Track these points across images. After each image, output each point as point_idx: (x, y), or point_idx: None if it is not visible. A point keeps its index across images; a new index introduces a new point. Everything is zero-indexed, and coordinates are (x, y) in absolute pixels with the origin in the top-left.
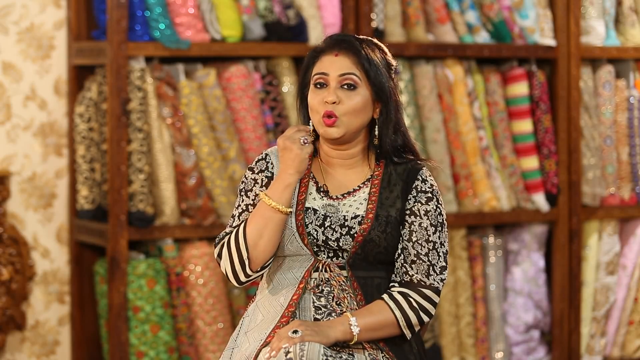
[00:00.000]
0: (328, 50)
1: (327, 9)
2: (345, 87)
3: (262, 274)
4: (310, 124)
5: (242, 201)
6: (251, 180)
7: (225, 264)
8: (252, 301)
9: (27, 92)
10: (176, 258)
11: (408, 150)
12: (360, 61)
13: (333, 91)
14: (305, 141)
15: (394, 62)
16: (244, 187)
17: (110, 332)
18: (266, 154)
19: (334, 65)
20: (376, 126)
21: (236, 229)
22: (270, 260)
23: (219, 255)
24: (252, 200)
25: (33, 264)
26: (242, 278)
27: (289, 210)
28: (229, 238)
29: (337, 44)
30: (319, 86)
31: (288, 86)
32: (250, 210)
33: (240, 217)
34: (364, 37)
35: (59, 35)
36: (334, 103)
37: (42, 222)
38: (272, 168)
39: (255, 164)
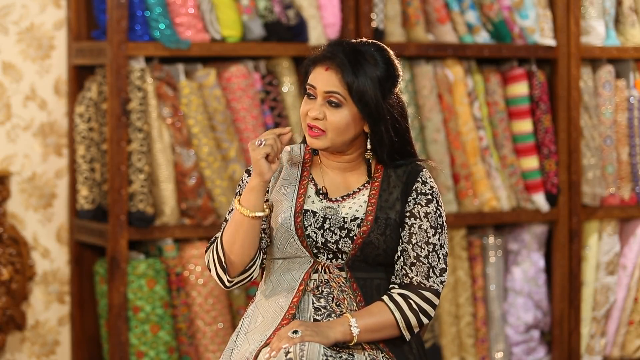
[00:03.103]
0: (320, 63)
1: (327, 9)
2: (330, 104)
3: (249, 278)
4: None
5: (233, 206)
6: (244, 184)
7: (212, 270)
8: (252, 302)
9: (27, 92)
10: (176, 258)
11: (407, 157)
12: (345, 79)
13: (318, 107)
14: (260, 142)
15: (399, 72)
16: (238, 191)
17: (110, 332)
18: None
19: (322, 80)
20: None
21: (217, 238)
22: (252, 265)
23: (208, 261)
24: None
25: (33, 264)
26: (227, 283)
27: (254, 214)
28: (212, 246)
29: (329, 58)
30: (309, 96)
31: (288, 86)
32: None
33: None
34: (370, 43)
35: (59, 35)
36: (316, 119)
37: (42, 222)
38: None
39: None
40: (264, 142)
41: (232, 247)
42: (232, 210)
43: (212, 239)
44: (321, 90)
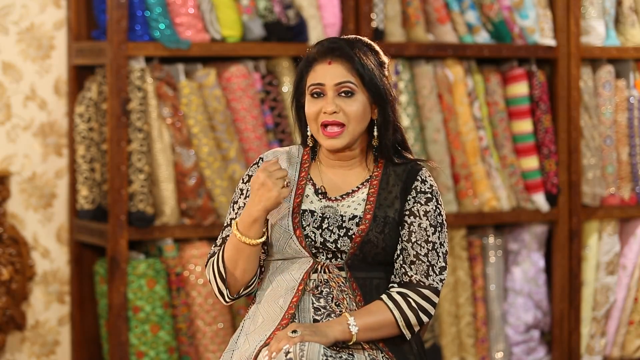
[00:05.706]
0: (320, 59)
1: (327, 9)
2: (343, 94)
3: (248, 292)
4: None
5: (229, 213)
6: (239, 191)
7: (213, 285)
8: (253, 303)
9: (27, 92)
10: (176, 258)
11: (404, 147)
12: (354, 67)
13: (331, 101)
14: (289, 184)
15: (386, 60)
16: (233, 197)
17: (110, 332)
18: (260, 158)
19: (329, 74)
20: (375, 127)
21: (217, 254)
22: (252, 283)
23: (209, 276)
24: (236, 213)
25: (33, 264)
26: (227, 298)
27: (258, 241)
28: (212, 262)
29: (330, 52)
30: (315, 96)
31: (288, 86)
32: None
33: (227, 231)
34: (353, 37)
35: (59, 35)
36: (334, 113)
37: (42, 222)
38: None
39: (249, 169)
40: (290, 185)
41: (234, 271)
42: (227, 217)
43: (210, 253)
44: (331, 84)
